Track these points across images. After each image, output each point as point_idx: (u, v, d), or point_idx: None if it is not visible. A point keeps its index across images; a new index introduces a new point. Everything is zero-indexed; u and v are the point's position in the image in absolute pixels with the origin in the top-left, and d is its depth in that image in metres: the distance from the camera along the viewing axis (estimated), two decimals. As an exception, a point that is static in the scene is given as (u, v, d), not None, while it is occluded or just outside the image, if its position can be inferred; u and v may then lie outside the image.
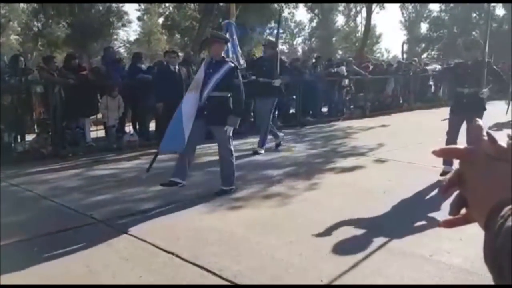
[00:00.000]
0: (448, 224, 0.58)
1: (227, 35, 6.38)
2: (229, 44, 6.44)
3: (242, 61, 7.35)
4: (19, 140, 7.70)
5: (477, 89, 5.39)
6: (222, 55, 5.11)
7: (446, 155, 0.58)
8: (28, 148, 7.55)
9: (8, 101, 7.19)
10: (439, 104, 15.03)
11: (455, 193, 0.57)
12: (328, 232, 3.81)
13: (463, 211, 0.56)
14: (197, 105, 4.84)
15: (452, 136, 5.50)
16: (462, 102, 5.51)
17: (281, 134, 8.02)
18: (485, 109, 5.49)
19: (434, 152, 0.58)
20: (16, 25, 28.69)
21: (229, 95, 4.92)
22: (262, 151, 7.43)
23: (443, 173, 5.09)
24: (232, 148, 5.06)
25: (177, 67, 8.45)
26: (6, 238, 3.63)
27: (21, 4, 29.34)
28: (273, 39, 8.81)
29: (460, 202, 0.56)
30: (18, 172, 6.21)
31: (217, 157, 7.11)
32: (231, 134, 4.97)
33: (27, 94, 7.66)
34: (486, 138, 0.54)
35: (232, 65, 4.97)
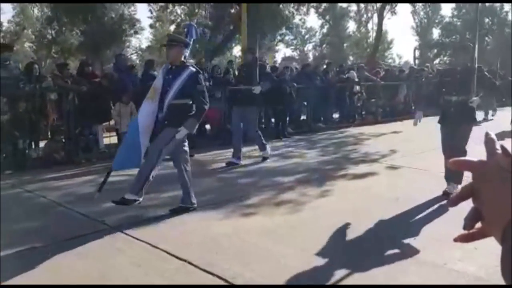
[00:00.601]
0: (464, 238, 0.57)
1: (188, 38, 6.10)
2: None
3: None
4: (33, 146, 7.79)
5: (466, 97, 4.95)
6: (182, 59, 4.66)
7: (459, 167, 0.58)
8: (42, 154, 7.63)
9: (22, 108, 7.28)
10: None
11: (470, 207, 0.57)
12: (340, 239, 3.80)
13: (478, 224, 0.56)
14: (155, 115, 4.50)
15: (445, 149, 5.08)
16: (449, 112, 5.02)
17: (268, 150, 7.52)
18: (475, 119, 5.07)
19: (450, 163, 0.58)
20: (30, 32, 29.11)
21: (190, 102, 4.52)
22: (267, 151, 7.40)
23: (445, 193, 4.89)
24: (164, 151, 4.45)
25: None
26: (20, 244, 3.67)
27: (36, 12, 29.81)
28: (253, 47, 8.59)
29: (475, 216, 0.55)
30: (32, 178, 6.28)
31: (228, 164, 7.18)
32: (185, 147, 4.57)
33: (42, 101, 7.75)
34: (499, 151, 0.54)
35: (194, 69, 4.55)
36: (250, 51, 7.70)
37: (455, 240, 0.58)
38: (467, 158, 0.57)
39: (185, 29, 6.64)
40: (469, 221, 0.56)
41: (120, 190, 4.75)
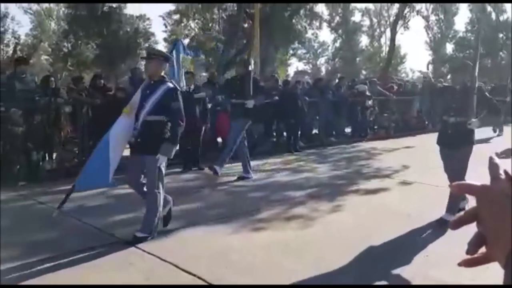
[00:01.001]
0: (469, 263, 0.57)
1: (174, 54, 5.91)
2: (174, 63, 5.97)
3: (182, 83, 6.79)
4: (47, 158, 7.88)
5: (464, 119, 4.58)
6: (162, 74, 4.42)
7: (462, 190, 0.58)
8: (56, 166, 7.71)
9: (37, 120, 7.38)
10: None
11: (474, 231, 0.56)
12: (352, 256, 3.75)
13: (483, 249, 0.56)
14: (130, 132, 4.25)
15: (447, 172, 4.78)
16: (447, 133, 4.72)
17: (251, 175, 7.09)
18: (473, 143, 4.68)
19: (451, 187, 0.58)
20: (47, 45, 29.65)
21: (166, 120, 4.23)
22: (251, 176, 6.98)
23: (440, 220, 4.52)
24: (161, 185, 4.22)
25: (191, 87, 7.99)
26: (32, 256, 3.69)
27: (53, 26, 30.39)
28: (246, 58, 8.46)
29: (479, 240, 0.55)
30: (45, 190, 6.33)
31: (238, 176, 7.18)
32: (163, 167, 4.21)
33: (56, 113, 7.86)
34: (503, 176, 0.53)
35: (171, 85, 4.28)
36: (243, 64, 7.41)
37: (459, 264, 0.58)
38: (470, 182, 0.57)
39: (174, 45, 6.56)
40: (472, 246, 0.55)
41: (131, 202, 4.77)
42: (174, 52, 6.14)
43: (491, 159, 0.56)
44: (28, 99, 7.31)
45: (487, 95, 5.06)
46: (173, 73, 6.06)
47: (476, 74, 4.69)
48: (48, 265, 3.56)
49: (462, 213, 0.58)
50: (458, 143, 4.60)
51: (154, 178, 4.15)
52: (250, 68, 7.06)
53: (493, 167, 0.56)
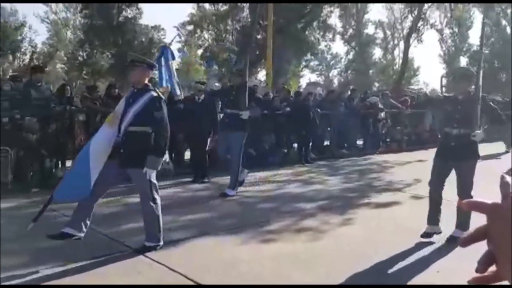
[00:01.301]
0: (478, 281, 0.56)
1: (162, 61, 5.66)
2: (163, 71, 5.73)
3: (178, 92, 6.47)
4: (59, 166, 7.95)
5: (468, 130, 4.34)
6: (146, 82, 4.19)
7: (473, 208, 0.57)
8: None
9: (52, 128, 7.47)
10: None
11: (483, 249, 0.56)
12: (361, 269, 3.72)
13: (493, 267, 0.55)
14: (112, 142, 4.06)
15: (435, 188, 4.57)
16: (449, 146, 4.45)
17: (234, 192, 6.66)
18: (478, 156, 4.45)
19: (461, 204, 0.58)
20: (62, 54, 30.11)
21: (150, 131, 4.03)
22: (233, 193, 6.54)
23: (424, 234, 4.46)
24: (157, 196, 4.10)
25: (201, 97, 7.92)
26: (41, 263, 3.72)
27: (69, 35, 30.88)
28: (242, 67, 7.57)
29: (489, 259, 0.54)
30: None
31: (251, 187, 7.17)
32: (153, 179, 4.05)
33: (70, 121, 7.95)
34: None
35: (154, 94, 4.07)
36: (238, 73, 7.03)
37: (469, 282, 0.57)
38: (480, 200, 0.57)
39: (161, 52, 6.07)
40: (482, 265, 0.55)
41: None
42: (162, 59, 5.96)
43: (502, 177, 0.56)
44: (43, 107, 7.41)
45: (492, 104, 4.74)
46: (163, 82, 5.88)
47: (480, 83, 4.43)
48: (57, 272, 3.58)
49: (472, 231, 0.58)
50: (462, 156, 4.36)
51: (147, 191, 4.04)
52: (246, 79, 6.71)
53: (504, 186, 0.55)
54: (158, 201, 4.11)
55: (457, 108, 4.44)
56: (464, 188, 4.33)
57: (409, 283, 3.43)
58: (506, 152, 11.88)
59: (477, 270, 0.56)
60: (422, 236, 4.43)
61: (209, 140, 7.77)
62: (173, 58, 6.72)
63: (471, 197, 3.96)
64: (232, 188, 6.58)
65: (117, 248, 4.22)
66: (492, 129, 4.65)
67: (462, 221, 4.36)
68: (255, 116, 6.84)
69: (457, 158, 4.37)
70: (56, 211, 5.65)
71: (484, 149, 10.81)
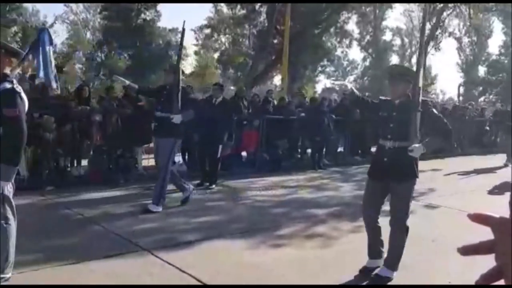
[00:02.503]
0: None
1: (40, 47, 4.88)
2: (41, 58, 4.95)
3: (54, 84, 5.54)
4: (75, 165, 8.06)
5: (405, 143, 3.48)
6: (6, 72, 3.24)
7: (479, 221, 0.57)
8: (83, 173, 7.89)
9: (68, 127, 7.58)
10: (495, 150, 14.44)
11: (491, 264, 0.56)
12: (373, 278, 3.70)
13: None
14: None
15: (369, 214, 3.81)
16: (382, 162, 3.64)
17: (189, 186, 6.22)
18: (416, 175, 3.63)
19: (469, 216, 0.58)
20: (81, 55, 30.53)
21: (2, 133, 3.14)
22: (159, 209, 5.65)
23: (363, 269, 3.76)
24: (10, 215, 3.14)
25: (219, 99, 7.67)
26: (55, 260, 3.77)
27: (88, 36, 31.31)
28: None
29: (493, 274, 0.55)
30: (72, 196, 6.48)
31: (261, 191, 7.18)
32: (7, 192, 3.11)
33: (87, 121, 8.05)
34: None
35: (8, 86, 3.15)
36: (171, 70, 6.06)
37: None
38: (488, 213, 0.56)
39: (38, 34, 5.17)
40: (483, 279, 0.55)
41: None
42: (40, 43, 5.23)
43: None
44: (60, 106, 7.53)
45: (435, 112, 3.79)
46: (40, 71, 4.88)
47: (421, 84, 3.54)
48: (68, 270, 3.63)
49: (477, 242, 0.58)
50: (398, 176, 3.56)
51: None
52: (180, 77, 5.81)
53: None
54: (11, 221, 3.15)
55: (392, 116, 3.62)
56: (398, 216, 3.65)
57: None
58: (505, 165, 11.30)
59: (476, 282, 0.56)
60: (360, 271, 3.73)
61: (220, 147, 7.53)
62: (51, 43, 5.50)
63: (406, 226, 3.61)
64: (156, 203, 5.68)
65: (130, 248, 4.26)
66: (434, 142, 3.68)
67: (393, 258, 3.68)
68: (189, 120, 5.98)
69: (392, 178, 3.57)
70: (70, 209, 5.73)
71: (483, 162, 10.49)
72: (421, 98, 3.51)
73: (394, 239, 3.67)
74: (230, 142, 7.91)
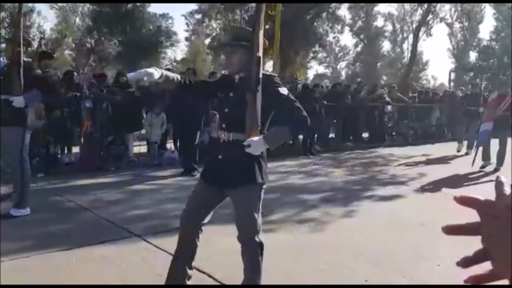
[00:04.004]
0: (475, 280, 0.56)
1: None
2: None
3: None
4: (65, 152, 8.02)
5: (242, 136, 2.51)
6: None
7: (465, 204, 0.57)
8: (74, 160, 7.86)
9: (58, 114, 7.52)
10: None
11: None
12: (362, 262, 3.74)
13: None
14: None
15: (188, 221, 2.89)
16: (216, 160, 2.70)
17: (26, 211, 4.74)
18: (257, 180, 2.60)
19: (455, 199, 0.58)
20: (71, 41, 30.16)
21: None
22: (25, 212, 4.69)
23: None
24: None
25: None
26: (47, 247, 3.77)
27: (77, 21, 30.91)
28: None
29: (478, 257, 0.55)
30: (62, 183, 6.46)
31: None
32: None
33: (77, 108, 7.99)
34: (508, 192, 0.54)
35: None
36: (9, 42, 4.98)
37: (466, 281, 0.57)
38: (475, 196, 0.57)
39: None
40: (463, 262, 0.56)
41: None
42: None
43: (497, 177, 0.57)
44: (50, 92, 7.44)
45: (284, 92, 2.60)
46: None
47: (261, 52, 2.57)
48: (60, 257, 3.63)
49: (464, 224, 0.58)
50: (234, 178, 2.61)
51: None
52: (21, 48, 4.59)
53: (498, 185, 0.56)
54: None
55: (229, 97, 2.70)
56: (243, 230, 2.80)
57: (408, 276, 3.45)
58: (466, 154, 10.64)
59: (457, 264, 0.57)
60: None
61: (198, 133, 7.43)
62: None
63: (257, 242, 2.79)
64: (17, 207, 4.70)
65: (122, 234, 4.27)
66: (283, 133, 2.61)
67: (250, 279, 2.90)
68: (37, 103, 4.76)
69: (227, 180, 2.64)
70: (61, 196, 5.72)
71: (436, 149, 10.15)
72: (262, 71, 2.53)
73: (245, 258, 2.86)
74: (207, 128, 7.77)
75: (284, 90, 2.61)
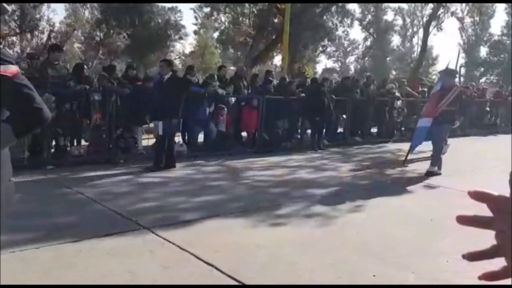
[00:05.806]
0: (488, 277, 0.56)
1: None
2: None
3: None
4: (75, 144, 8.06)
5: None
6: None
7: (478, 199, 0.57)
8: (83, 152, 7.90)
9: (68, 107, 7.55)
10: (495, 131, 14.44)
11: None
12: (369, 256, 3.73)
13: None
14: None
15: None
16: None
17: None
18: None
19: (469, 193, 0.57)
20: (80, 34, 30.24)
21: None
22: None
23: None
24: None
25: (167, 76, 7.40)
26: (57, 238, 3.81)
27: (86, 14, 30.97)
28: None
29: (486, 253, 0.54)
30: (71, 175, 6.50)
31: (264, 171, 7.21)
32: None
33: (86, 100, 8.02)
34: None
35: None
36: None
37: (480, 278, 0.56)
38: (488, 191, 0.56)
39: None
40: (469, 255, 0.55)
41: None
42: None
43: None
44: (60, 85, 7.48)
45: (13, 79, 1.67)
46: None
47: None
48: (69, 248, 3.66)
49: (473, 215, 0.58)
50: None
51: None
52: None
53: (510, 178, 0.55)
54: None
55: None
56: None
57: (416, 271, 3.44)
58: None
59: (463, 257, 0.56)
60: None
61: (160, 123, 7.21)
62: None
63: None
64: None
65: (130, 226, 4.29)
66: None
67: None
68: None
69: None
70: (70, 188, 5.76)
71: (483, 143, 9.93)
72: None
73: None
74: (175, 120, 7.38)
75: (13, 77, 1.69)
